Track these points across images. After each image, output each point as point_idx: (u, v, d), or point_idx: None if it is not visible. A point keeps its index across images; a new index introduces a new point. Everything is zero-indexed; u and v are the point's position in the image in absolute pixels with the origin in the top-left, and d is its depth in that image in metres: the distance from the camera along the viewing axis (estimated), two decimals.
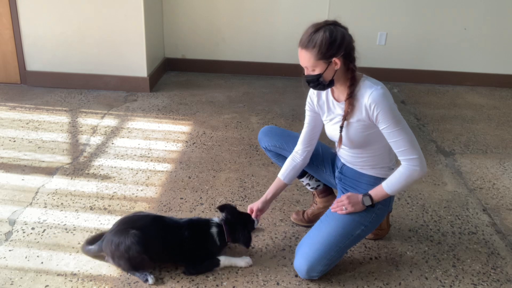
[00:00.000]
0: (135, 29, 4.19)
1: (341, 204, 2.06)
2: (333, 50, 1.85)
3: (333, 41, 1.84)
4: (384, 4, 4.73)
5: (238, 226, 2.14)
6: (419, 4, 4.72)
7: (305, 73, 1.96)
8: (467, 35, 4.81)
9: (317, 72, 1.90)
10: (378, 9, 4.74)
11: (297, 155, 2.22)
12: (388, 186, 1.98)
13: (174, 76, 4.92)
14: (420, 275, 2.16)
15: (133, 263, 2.02)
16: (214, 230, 2.12)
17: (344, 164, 2.20)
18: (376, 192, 2.02)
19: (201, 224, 2.15)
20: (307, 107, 2.18)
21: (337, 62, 1.88)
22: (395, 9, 4.74)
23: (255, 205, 2.23)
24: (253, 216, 2.22)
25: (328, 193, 2.48)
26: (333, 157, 2.31)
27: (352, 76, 1.93)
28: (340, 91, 2.01)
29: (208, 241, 2.11)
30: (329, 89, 2.04)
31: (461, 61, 4.93)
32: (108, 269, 2.09)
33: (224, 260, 2.12)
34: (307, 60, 1.90)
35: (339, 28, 1.88)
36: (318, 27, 1.87)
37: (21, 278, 2.03)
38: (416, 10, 4.74)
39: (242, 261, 2.14)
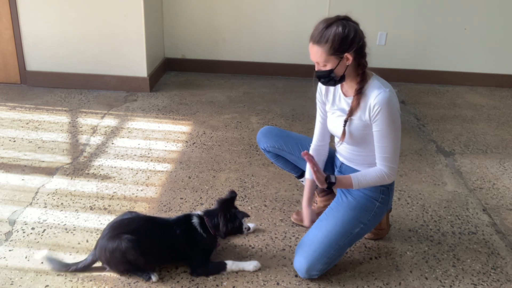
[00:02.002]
0: (135, 29, 4.19)
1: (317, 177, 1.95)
2: (346, 46, 1.85)
3: (346, 36, 1.84)
4: (384, 4, 4.73)
5: (217, 215, 2.09)
6: (419, 4, 4.71)
7: (316, 69, 1.95)
8: (467, 35, 4.81)
9: (328, 67, 1.90)
10: (378, 9, 4.74)
11: (316, 148, 2.24)
12: (359, 180, 1.98)
13: (174, 76, 4.92)
14: (420, 275, 2.16)
15: (132, 264, 2.01)
16: (195, 221, 2.10)
17: (342, 163, 2.20)
18: (341, 179, 1.99)
19: (185, 219, 2.13)
20: (317, 98, 2.17)
21: (349, 57, 1.87)
22: (395, 9, 4.74)
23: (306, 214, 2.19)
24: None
25: (327, 192, 2.48)
26: (332, 156, 2.31)
27: (362, 72, 1.93)
28: (349, 86, 2.01)
29: (193, 233, 2.08)
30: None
31: (461, 61, 4.93)
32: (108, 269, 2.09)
33: (231, 264, 2.11)
34: (318, 56, 1.89)
35: (351, 23, 1.87)
36: (330, 22, 1.86)
37: (21, 278, 2.03)
38: (416, 10, 4.74)
39: (250, 265, 2.13)
